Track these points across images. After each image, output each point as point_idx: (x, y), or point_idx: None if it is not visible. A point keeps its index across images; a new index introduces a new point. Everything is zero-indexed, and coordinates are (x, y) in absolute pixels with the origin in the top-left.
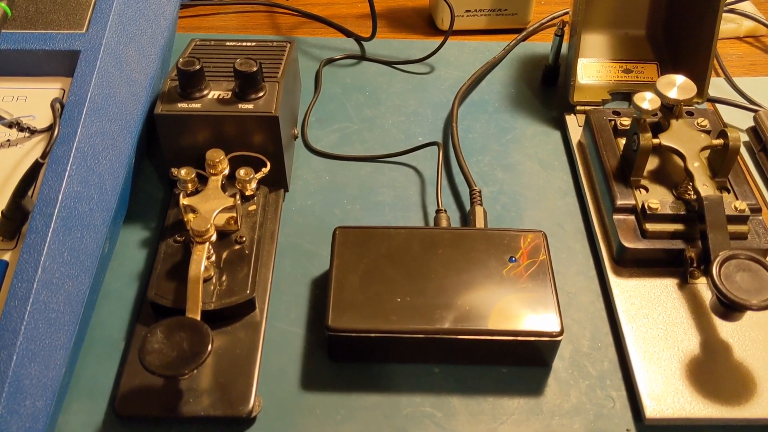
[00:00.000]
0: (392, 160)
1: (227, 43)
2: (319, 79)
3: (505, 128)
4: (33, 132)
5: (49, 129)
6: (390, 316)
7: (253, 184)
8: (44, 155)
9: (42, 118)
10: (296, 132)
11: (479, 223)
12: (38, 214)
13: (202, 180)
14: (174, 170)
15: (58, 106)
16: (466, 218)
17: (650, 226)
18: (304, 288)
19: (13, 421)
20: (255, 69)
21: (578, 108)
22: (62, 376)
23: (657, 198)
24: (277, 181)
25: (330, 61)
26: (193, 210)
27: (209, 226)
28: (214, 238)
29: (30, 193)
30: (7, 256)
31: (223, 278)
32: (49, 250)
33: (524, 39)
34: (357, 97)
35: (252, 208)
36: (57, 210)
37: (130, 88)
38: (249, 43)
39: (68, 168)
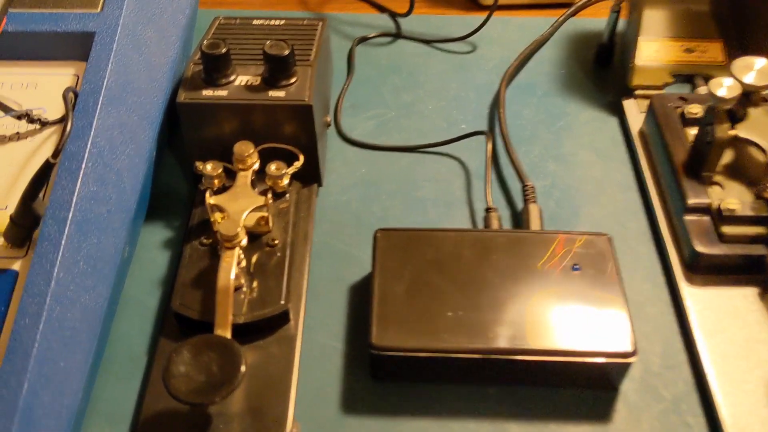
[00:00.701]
0: (434, 151)
1: (254, 22)
2: (352, 61)
3: (556, 114)
4: (44, 124)
5: (62, 121)
6: (440, 334)
7: (286, 180)
8: (56, 154)
9: (54, 107)
10: (329, 120)
11: (534, 223)
12: (50, 218)
13: (230, 174)
14: (199, 164)
15: (71, 96)
16: (518, 217)
17: (728, 229)
18: (342, 295)
19: None
20: (287, 52)
21: (637, 92)
22: (79, 402)
23: (734, 196)
24: (309, 176)
25: (363, 39)
26: (221, 210)
27: (239, 229)
28: (244, 242)
29: (41, 195)
30: (17, 265)
31: (255, 286)
32: (63, 259)
33: (573, 14)
34: (393, 79)
35: (284, 206)
36: (71, 214)
37: (150, 74)
38: (277, 22)
39: (83, 166)
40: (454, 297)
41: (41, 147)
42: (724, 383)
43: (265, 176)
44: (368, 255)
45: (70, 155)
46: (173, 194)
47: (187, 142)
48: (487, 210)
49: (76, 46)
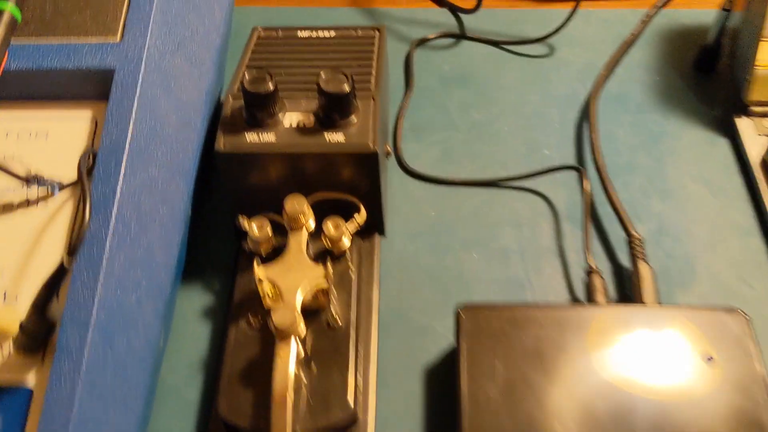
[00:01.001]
0: (514, 185)
1: (299, 34)
2: (410, 70)
3: (655, 134)
4: (59, 188)
5: (77, 183)
6: None
7: (346, 241)
8: (72, 251)
9: (68, 162)
10: (389, 149)
11: (648, 294)
12: (68, 324)
13: (278, 228)
14: (242, 220)
15: (88, 163)
16: (620, 276)
17: None
18: (418, 380)
19: None
20: (347, 90)
21: (755, 109)
22: None
23: None
24: (370, 224)
25: (421, 42)
26: (271, 283)
27: (296, 316)
28: (303, 331)
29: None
30: (30, 381)
31: (314, 380)
32: (87, 375)
33: (664, 5)
34: (460, 93)
35: (342, 267)
36: (94, 317)
37: (181, 115)
38: (327, 34)
39: (105, 251)
40: (561, 401)
41: (56, 215)
42: None
43: (320, 233)
44: (444, 325)
45: (89, 240)
46: (210, 250)
47: (227, 191)
48: (589, 273)
49: (93, 84)
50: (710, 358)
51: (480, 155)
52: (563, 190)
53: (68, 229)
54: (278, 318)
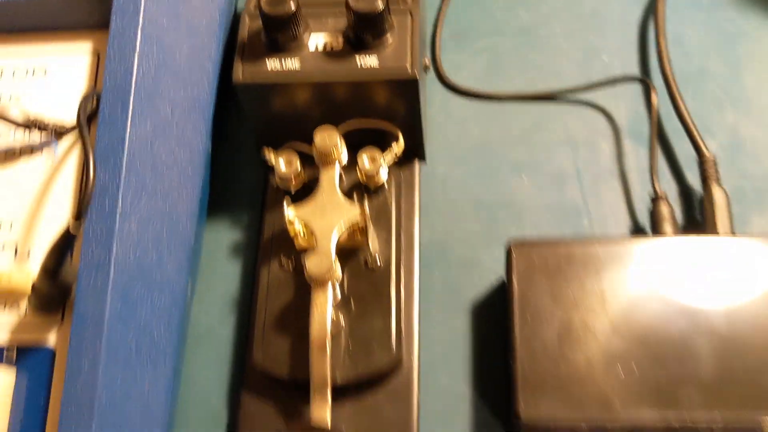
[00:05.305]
0: (570, 98)
1: None
2: None
3: (731, 35)
4: (60, 134)
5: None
6: (612, 400)
7: (384, 174)
8: (78, 215)
9: (69, 102)
10: (427, 61)
11: (723, 223)
12: (84, 288)
13: (307, 160)
14: (268, 153)
15: (90, 108)
16: (690, 202)
17: None
18: (464, 316)
19: None
20: (381, 7)
21: None
22: None
23: None
24: (409, 150)
25: None
26: (303, 223)
27: (332, 262)
28: (339, 275)
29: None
30: (51, 340)
31: (355, 324)
32: (109, 342)
33: None
34: None
35: (380, 200)
36: (111, 278)
37: (193, 42)
38: None
39: (118, 209)
40: (625, 344)
41: (63, 161)
42: None
43: (355, 166)
44: (492, 258)
45: (99, 196)
46: (236, 180)
47: (251, 121)
48: (654, 200)
49: (91, 11)
50: None
51: (530, 65)
52: (625, 103)
53: (76, 178)
54: (313, 265)
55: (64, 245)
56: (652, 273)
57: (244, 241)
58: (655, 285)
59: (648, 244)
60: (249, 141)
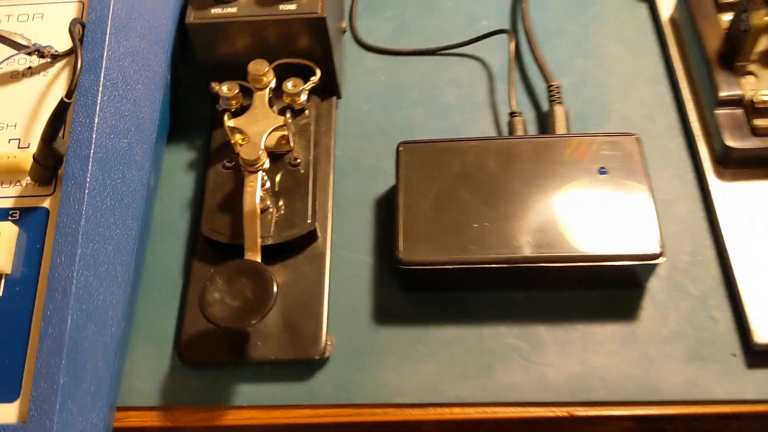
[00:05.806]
0: (455, 52)
1: None
2: None
3: (583, 3)
4: (55, 57)
5: (72, 53)
6: (468, 246)
7: (303, 97)
8: (70, 93)
9: (63, 37)
10: (345, 25)
11: (560, 127)
12: (73, 157)
13: (246, 92)
14: (214, 85)
15: (78, 28)
16: (544, 120)
17: (760, 122)
18: (369, 209)
19: (77, 387)
20: None
21: None
22: (122, 330)
23: None
24: (327, 88)
25: None
26: (241, 131)
27: (261, 152)
28: (267, 164)
29: (61, 134)
30: (46, 203)
31: (281, 206)
32: (90, 197)
33: None
34: None
35: (304, 122)
36: (92, 151)
37: None
38: None
39: (98, 101)
40: (479, 208)
41: (55, 80)
42: (751, 277)
43: (282, 94)
44: (392, 166)
45: (84, 91)
46: (192, 113)
47: (201, 61)
48: (512, 114)
49: None
50: (603, 170)
51: (427, 29)
52: (498, 54)
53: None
54: (245, 152)
55: (59, 115)
56: (502, 159)
57: (198, 158)
58: (504, 168)
59: (503, 141)
60: (202, 80)
